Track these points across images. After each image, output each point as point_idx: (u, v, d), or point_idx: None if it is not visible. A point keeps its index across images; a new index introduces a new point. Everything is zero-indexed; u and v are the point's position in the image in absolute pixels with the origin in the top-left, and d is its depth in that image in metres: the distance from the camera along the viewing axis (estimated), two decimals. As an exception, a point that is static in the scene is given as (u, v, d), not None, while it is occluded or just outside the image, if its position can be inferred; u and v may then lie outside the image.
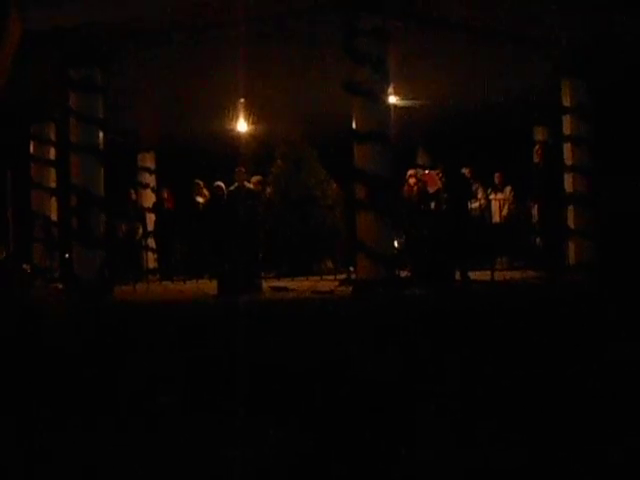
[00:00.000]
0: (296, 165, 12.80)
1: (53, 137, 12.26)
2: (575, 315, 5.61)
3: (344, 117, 8.53)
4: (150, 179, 15.41)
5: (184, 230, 13.19)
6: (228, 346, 4.60)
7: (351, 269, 9.86)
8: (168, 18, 8.32)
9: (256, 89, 10.11)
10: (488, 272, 9.72)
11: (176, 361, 4.14)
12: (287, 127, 12.47)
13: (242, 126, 12.61)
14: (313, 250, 12.32)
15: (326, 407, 3.00)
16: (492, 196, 12.74)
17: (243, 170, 11.40)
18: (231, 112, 11.80)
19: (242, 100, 11.19)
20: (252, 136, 12.76)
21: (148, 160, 15.53)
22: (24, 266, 12.44)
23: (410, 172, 11.01)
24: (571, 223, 10.22)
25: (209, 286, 9.74)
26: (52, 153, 12.34)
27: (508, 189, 12.71)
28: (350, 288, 8.57)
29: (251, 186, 11.68)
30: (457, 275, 9.26)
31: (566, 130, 10.34)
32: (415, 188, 10.73)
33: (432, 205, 10.16)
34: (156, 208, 13.98)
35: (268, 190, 12.77)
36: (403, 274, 9.28)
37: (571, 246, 10.26)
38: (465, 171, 11.00)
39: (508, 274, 10.30)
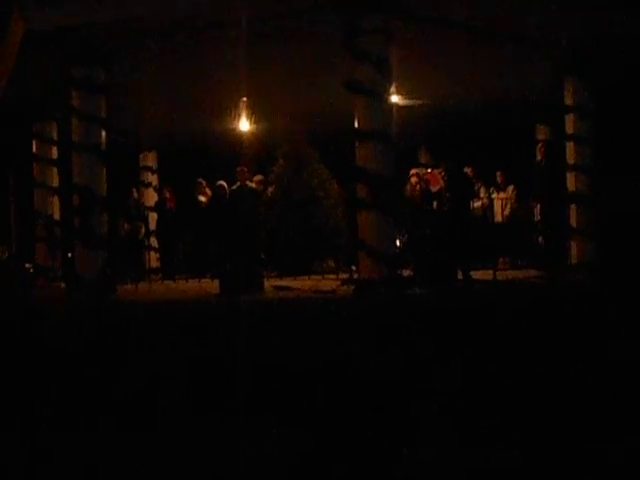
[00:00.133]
0: (298, 164, 12.79)
1: (55, 136, 12.28)
2: (577, 315, 5.61)
3: (346, 116, 8.53)
4: (152, 178, 15.42)
5: (186, 229, 13.20)
6: (230, 345, 4.60)
7: (353, 268, 9.86)
8: (169, 18, 8.32)
9: (258, 89, 10.11)
10: (490, 271, 9.71)
11: (179, 360, 4.15)
12: (289, 126, 12.47)
13: (244, 125, 12.61)
14: (315, 249, 12.31)
15: (328, 406, 3.00)
16: (494, 195, 12.73)
17: (245, 169, 11.40)
18: (233, 111, 11.80)
19: (244, 99, 11.19)
20: (254, 135, 12.76)
21: (150, 159, 15.54)
22: (26, 265, 12.47)
23: (412, 171, 11.01)
24: (573, 222, 10.22)
25: (211, 285, 9.74)
26: (54, 152, 12.35)
27: (510, 188, 12.70)
28: (352, 287, 8.56)
29: (253, 185, 11.68)
30: (459, 274, 9.25)
31: (568, 129, 10.33)
32: (417, 187, 10.73)
33: (434, 204, 10.15)
34: (158, 207, 13.99)
35: (270, 189, 12.76)
36: (405, 273, 9.27)
37: (573, 245, 10.25)
38: (467, 170, 10.99)
39: (510, 273, 10.29)
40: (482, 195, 12.40)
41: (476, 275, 9.44)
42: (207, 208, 12.56)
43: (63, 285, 10.75)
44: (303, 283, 10.00)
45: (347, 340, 4.75)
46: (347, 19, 8.01)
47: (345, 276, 10.15)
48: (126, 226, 13.54)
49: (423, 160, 11.48)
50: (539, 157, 10.99)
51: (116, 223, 12.17)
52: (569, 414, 2.79)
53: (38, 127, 12.28)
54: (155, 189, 15.17)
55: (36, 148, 12.40)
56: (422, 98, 11.14)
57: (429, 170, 10.60)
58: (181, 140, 13.88)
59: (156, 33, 8.58)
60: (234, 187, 11.48)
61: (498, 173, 12.73)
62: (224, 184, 11.86)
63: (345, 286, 9.11)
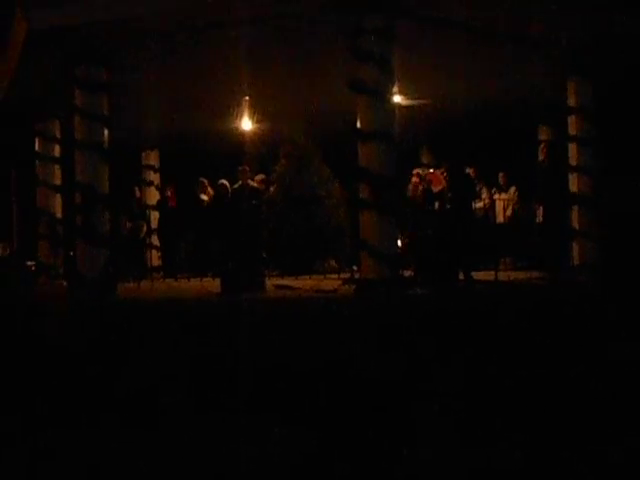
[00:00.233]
0: (300, 164, 12.80)
1: (58, 135, 12.29)
2: (578, 316, 5.61)
3: (348, 116, 8.53)
4: (154, 177, 15.44)
5: (188, 228, 13.22)
6: (232, 344, 4.61)
7: (354, 268, 9.86)
8: (171, 17, 8.33)
9: (260, 88, 10.12)
10: (492, 272, 9.71)
11: (180, 359, 4.15)
12: (291, 126, 12.47)
13: (246, 125, 12.61)
14: (317, 249, 12.31)
15: (330, 406, 3.01)
16: (496, 196, 12.73)
17: (247, 169, 11.41)
18: (235, 111, 11.81)
19: (246, 99, 11.20)
20: (256, 135, 12.76)
21: (152, 158, 15.55)
22: (28, 263, 12.48)
23: (415, 171, 11.01)
24: (575, 223, 10.21)
25: (213, 284, 9.75)
26: (57, 151, 12.36)
27: (512, 189, 12.70)
28: (353, 287, 8.56)
29: (255, 184, 11.69)
30: (461, 275, 9.25)
31: (571, 130, 10.32)
32: (419, 187, 10.73)
33: (436, 205, 10.15)
34: (160, 206, 14.00)
35: (272, 189, 12.77)
36: (407, 274, 9.28)
37: (575, 246, 10.24)
38: (469, 171, 10.99)
39: (512, 274, 10.29)
40: (484, 196, 12.40)
41: (477, 276, 9.44)
42: (209, 207, 12.58)
43: (65, 283, 10.76)
44: (304, 282, 10.00)
45: (348, 340, 4.76)
46: (349, 19, 8.00)
47: (346, 276, 10.15)
48: (128, 224, 13.55)
49: (425, 160, 11.46)
50: (541, 157, 10.98)
51: (118, 221, 12.17)
52: (570, 414, 2.80)
53: (41, 126, 12.29)
54: (157, 188, 15.18)
55: (39, 146, 12.41)
56: (424, 98, 11.14)
57: (431, 170, 10.60)
58: (183, 139, 13.88)
59: (158, 32, 8.58)
60: (235, 186, 11.49)
61: (500, 174, 12.73)
62: (226, 183, 11.87)
63: (346, 286, 9.11)
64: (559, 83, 10.21)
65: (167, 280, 12.13)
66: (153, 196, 14.92)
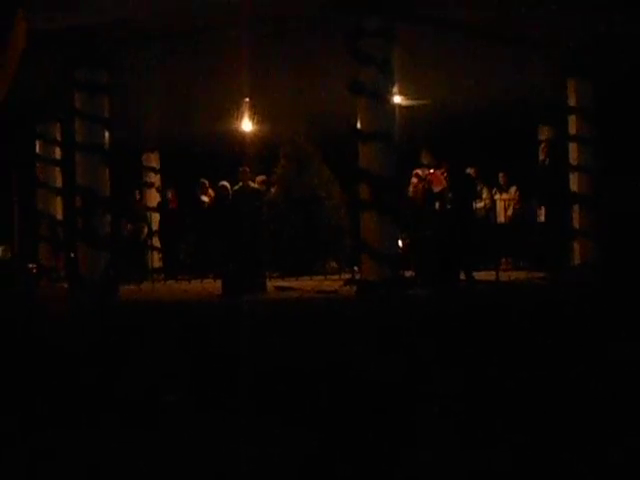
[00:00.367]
0: (300, 165, 12.80)
1: (58, 137, 12.30)
2: (579, 316, 5.61)
3: (348, 117, 8.53)
4: (155, 179, 15.44)
5: (189, 230, 13.22)
6: (233, 346, 4.61)
7: (355, 269, 9.86)
8: (171, 19, 8.34)
9: (260, 89, 10.12)
10: (493, 272, 9.71)
11: (181, 361, 4.15)
12: (291, 127, 12.48)
13: (246, 126, 12.61)
14: (317, 250, 12.32)
15: (331, 407, 3.01)
16: (497, 196, 12.73)
17: (247, 170, 11.40)
18: (235, 112, 11.81)
19: (246, 100, 11.21)
20: (256, 136, 12.76)
21: (153, 160, 15.56)
22: (29, 265, 12.48)
23: (416, 171, 11.01)
24: (576, 223, 10.20)
25: (214, 286, 9.75)
26: (57, 153, 12.37)
27: (513, 189, 12.70)
28: (354, 288, 8.57)
29: (255, 186, 11.68)
30: (462, 275, 9.25)
31: (571, 130, 10.31)
32: (420, 187, 10.73)
33: (437, 205, 10.15)
34: (161, 208, 14.01)
35: (272, 190, 12.78)
36: (407, 274, 9.28)
37: (576, 246, 10.24)
38: (470, 171, 10.99)
39: (513, 274, 10.29)
40: (484, 196, 12.39)
41: (478, 276, 9.44)
42: (209, 208, 12.58)
43: (66, 285, 10.76)
44: (305, 284, 10.01)
45: (350, 341, 4.76)
46: (349, 20, 8.01)
47: (347, 277, 10.15)
48: (129, 226, 13.56)
49: (425, 161, 11.47)
50: (541, 157, 10.98)
51: (119, 223, 12.19)
52: (570, 415, 2.80)
53: (41, 128, 12.31)
54: (158, 189, 15.19)
55: (39, 149, 12.42)
56: (424, 98, 11.14)
57: (431, 170, 10.60)
58: (184, 140, 13.89)
59: (158, 34, 8.59)
60: (236, 187, 11.49)
61: (501, 174, 12.73)
62: (227, 184, 11.86)
63: (347, 287, 9.12)
64: (559, 83, 10.21)
65: (168, 282, 12.13)
66: (154, 198, 14.92)
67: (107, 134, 9.30)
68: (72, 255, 10.99)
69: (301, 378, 3.56)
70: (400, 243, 9.78)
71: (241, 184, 11.37)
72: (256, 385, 3.38)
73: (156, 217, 14.08)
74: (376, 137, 8.14)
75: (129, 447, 2.56)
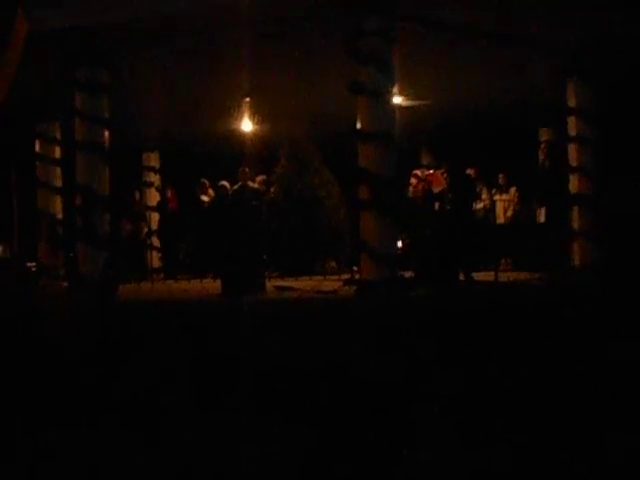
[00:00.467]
0: (300, 165, 12.81)
1: (58, 136, 12.30)
2: (579, 317, 5.61)
3: (348, 117, 8.54)
4: (155, 178, 15.45)
5: (188, 229, 13.23)
6: (232, 345, 4.61)
7: (355, 269, 9.87)
8: (171, 19, 8.34)
9: (260, 89, 10.13)
10: (492, 273, 9.71)
11: (180, 360, 4.16)
12: (291, 127, 12.48)
13: (247, 126, 12.62)
14: (317, 250, 12.32)
15: (331, 407, 3.01)
16: (497, 197, 12.74)
17: (247, 170, 11.41)
18: (236, 112, 11.82)
19: (246, 100, 11.21)
20: (256, 136, 12.77)
21: (153, 159, 15.57)
22: (29, 264, 12.48)
23: (415, 172, 11.02)
24: (576, 224, 10.21)
25: (213, 286, 9.76)
26: (57, 152, 12.38)
27: (513, 190, 12.71)
28: (354, 288, 8.57)
29: (255, 185, 11.69)
30: (461, 276, 9.26)
31: (571, 131, 10.33)
32: (419, 188, 10.73)
33: (436, 205, 10.16)
34: (160, 207, 14.01)
35: (272, 190, 12.78)
36: (407, 275, 9.28)
37: (576, 247, 10.24)
38: (470, 172, 11.00)
39: (512, 275, 10.29)
40: (484, 196, 12.40)
41: (478, 277, 9.45)
42: (209, 208, 12.59)
43: (65, 284, 10.76)
44: (305, 284, 10.01)
45: (349, 341, 4.76)
46: (349, 21, 8.02)
47: (347, 277, 10.16)
48: (128, 226, 13.56)
49: (425, 161, 11.48)
50: (541, 158, 10.99)
51: (118, 223, 12.19)
52: (570, 415, 2.80)
53: (41, 127, 12.31)
54: (157, 189, 15.19)
55: (39, 148, 12.43)
56: (424, 99, 11.14)
57: (431, 171, 10.61)
58: (184, 140, 13.90)
59: (158, 34, 8.60)
60: (235, 187, 11.50)
61: (500, 175, 12.74)
62: (226, 184, 11.88)
63: (347, 287, 9.12)
64: (559, 84, 10.22)
65: (167, 281, 12.13)
66: (153, 197, 14.93)
67: (107, 133, 9.31)
68: (72, 254, 10.99)
69: (301, 378, 3.57)
70: (399, 243, 9.79)
71: (240, 184, 11.39)
72: (256, 385, 3.39)
73: (156, 217, 14.08)
74: (376, 137, 8.14)
75: (129, 447, 2.56)
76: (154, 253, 13.84)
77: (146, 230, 13.97)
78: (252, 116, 12.12)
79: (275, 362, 4.02)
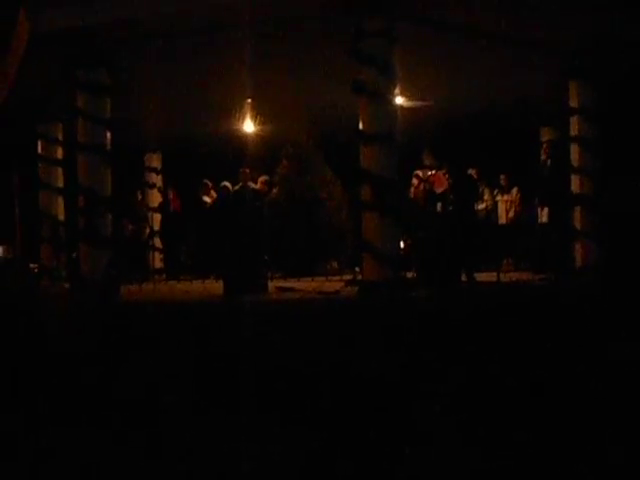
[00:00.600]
0: (302, 166, 12.81)
1: (60, 137, 12.30)
2: (581, 317, 5.61)
3: (350, 118, 8.53)
4: (157, 179, 15.45)
5: (190, 230, 13.23)
6: (234, 346, 4.61)
7: (357, 270, 9.86)
8: (172, 19, 8.34)
9: (262, 90, 10.13)
10: (494, 274, 9.71)
11: (182, 361, 4.16)
12: (293, 128, 12.49)
13: (248, 127, 12.63)
14: (319, 251, 12.32)
15: (332, 407, 3.01)
16: (499, 197, 12.73)
17: (247, 171, 11.41)
18: (237, 113, 11.82)
19: (248, 101, 11.22)
20: (258, 136, 12.78)
21: (155, 160, 15.58)
22: (31, 265, 12.50)
23: (417, 172, 11.02)
24: (578, 225, 10.19)
25: (215, 286, 9.76)
26: (59, 153, 12.38)
27: (515, 190, 12.70)
28: (356, 289, 8.57)
29: (255, 186, 11.69)
30: (463, 276, 9.25)
31: (573, 131, 10.31)
32: (421, 188, 10.73)
33: (438, 206, 10.15)
34: (162, 208, 14.02)
35: (274, 191, 12.78)
36: (409, 275, 9.28)
37: (578, 248, 10.23)
38: (472, 172, 10.99)
39: (514, 276, 10.29)
40: (486, 197, 12.39)
41: (480, 277, 9.44)
42: (211, 209, 12.59)
43: (67, 285, 10.77)
44: (307, 284, 10.01)
45: (351, 341, 4.76)
46: (350, 21, 8.01)
47: (349, 277, 10.15)
48: (130, 227, 13.57)
49: (427, 162, 11.48)
50: (543, 157, 10.97)
51: (120, 224, 12.20)
52: (571, 415, 2.80)
53: (43, 128, 12.31)
54: (159, 190, 15.20)
55: (41, 149, 12.43)
56: (426, 100, 11.14)
57: (433, 171, 10.60)
58: (185, 141, 13.91)
59: (160, 34, 8.60)
60: (236, 188, 11.50)
61: (502, 176, 12.73)
62: (228, 185, 11.87)
63: (349, 287, 9.12)
64: (561, 84, 10.20)
65: (169, 282, 12.14)
66: (155, 198, 14.94)
67: (109, 134, 9.30)
68: (74, 255, 11.01)
69: (302, 378, 3.57)
70: (402, 244, 9.78)
71: (241, 184, 11.38)
72: (257, 385, 3.38)
73: (158, 217, 14.09)
74: (378, 138, 8.13)
75: (129, 447, 2.56)
76: (156, 254, 13.84)
77: (148, 231, 13.98)
78: (254, 117, 12.13)
79: (277, 362, 4.01)
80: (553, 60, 9.74)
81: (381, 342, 4.71)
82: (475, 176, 11.09)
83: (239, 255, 9.57)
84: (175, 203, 13.96)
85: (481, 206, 12.10)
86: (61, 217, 12.44)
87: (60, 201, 12.43)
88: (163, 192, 14.77)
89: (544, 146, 11.38)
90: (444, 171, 10.23)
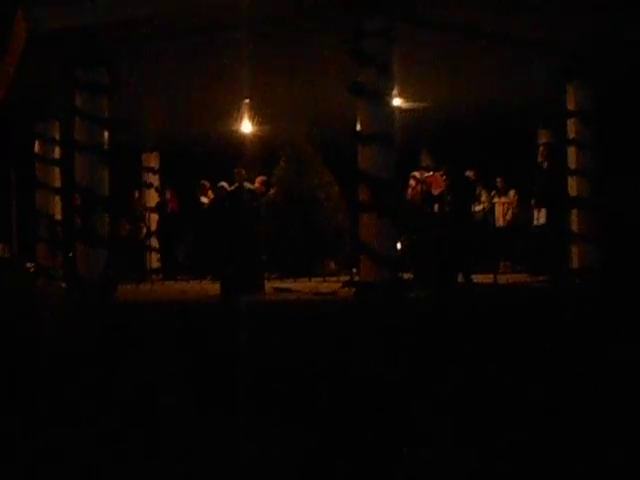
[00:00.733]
0: (300, 166, 12.81)
1: (58, 137, 12.28)
2: (578, 319, 5.61)
3: (348, 119, 8.53)
4: (154, 179, 15.44)
5: (187, 230, 13.22)
6: (231, 346, 4.61)
7: (354, 271, 9.86)
8: (171, 19, 8.34)
9: (260, 90, 10.13)
10: (491, 275, 9.71)
11: (179, 361, 4.15)
12: (291, 128, 12.49)
13: (246, 127, 12.63)
14: (316, 251, 12.32)
15: (330, 407, 3.01)
16: (496, 199, 12.74)
17: (242, 171, 11.40)
18: (235, 113, 11.82)
19: (246, 101, 11.21)
20: (256, 137, 12.78)
21: (152, 160, 15.56)
22: (28, 265, 12.48)
23: (414, 173, 11.03)
24: (575, 226, 10.21)
25: (212, 287, 9.75)
26: (57, 152, 12.36)
27: (512, 192, 12.72)
28: (353, 290, 8.56)
29: (251, 186, 11.68)
30: (460, 278, 9.25)
31: (570, 133, 10.33)
32: (418, 189, 10.74)
33: (435, 207, 10.16)
34: (159, 208, 14.01)
35: (272, 191, 12.78)
36: (406, 276, 9.28)
37: (575, 250, 10.24)
38: (470, 174, 11.00)
39: (511, 277, 10.29)
40: (483, 199, 12.41)
41: (477, 279, 9.45)
42: (207, 209, 12.59)
43: (64, 285, 10.76)
44: (304, 285, 10.00)
45: (348, 342, 4.76)
46: (349, 22, 8.01)
47: (346, 278, 10.15)
48: (127, 226, 13.55)
49: (425, 163, 11.48)
50: (540, 159, 11.00)
51: (118, 223, 12.18)
52: (570, 415, 2.80)
53: (40, 127, 12.28)
54: (157, 190, 15.18)
55: (38, 148, 12.40)
56: (424, 101, 11.15)
57: (430, 173, 10.61)
58: (183, 141, 13.90)
59: (158, 34, 8.59)
60: (232, 188, 11.49)
61: (498, 179, 12.74)
62: (225, 185, 11.87)
63: (346, 288, 9.11)
64: (558, 86, 10.22)
65: (166, 282, 12.13)
66: (153, 198, 14.92)
67: (106, 134, 9.29)
68: (70, 255, 10.99)
69: (299, 379, 3.56)
70: (399, 245, 9.78)
71: (236, 185, 11.38)
72: (254, 385, 3.38)
73: (155, 217, 14.07)
74: (376, 139, 8.13)
75: (126, 446, 2.56)
76: (153, 254, 13.83)
77: (145, 231, 13.96)
78: (252, 117, 12.12)
79: (273, 363, 4.01)
80: (551, 61, 9.75)
81: (378, 343, 4.71)
82: (472, 177, 11.10)
83: (236, 255, 9.57)
84: (172, 203, 13.94)
85: (478, 208, 12.11)
86: (58, 216, 12.40)
87: (57, 200, 12.40)
88: (160, 192, 14.75)
89: (541, 148, 11.39)
90: (441, 172, 10.25)
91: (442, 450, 2.42)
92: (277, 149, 13.06)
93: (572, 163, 10.27)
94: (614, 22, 8.76)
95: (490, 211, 12.65)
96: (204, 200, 12.92)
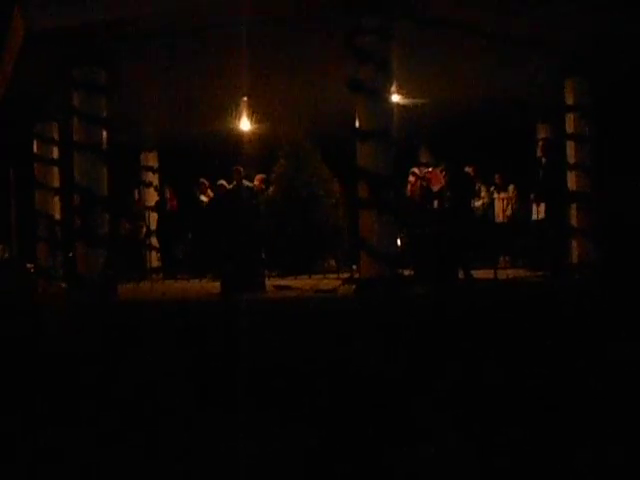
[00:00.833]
0: (299, 164, 12.80)
1: (56, 136, 12.27)
2: (577, 314, 5.61)
3: (347, 116, 8.53)
4: (153, 178, 15.43)
5: (187, 229, 13.23)
6: (232, 345, 4.61)
7: (354, 268, 9.86)
8: (170, 18, 8.32)
9: (259, 88, 10.12)
10: (491, 271, 9.72)
11: (180, 359, 4.15)
12: (290, 126, 12.48)
13: (245, 125, 12.62)
14: (316, 249, 12.32)
15: (330, 404, 3.01)
16: (495, 195, 12.75)
17: (241, 169, 11.40)
18: (234, 111, 11.81)
19: (245, 99, 11.20)
20: (255, 135, 12.77)
21: (151, 159, 15.55)
22: (27, 265, 12.48)
23: (413, 170, 11.02)
24: (574, 222, 10.21)
25: (212, 285, 9.75)
26: (55, 152, 12.35)
27: (511, 188, 12.72)
28: (353, 287, 8.56)
29: (250, 184, 11.68)
30: (460, 274, 9.26)
31: (569, 128, 10.33)
32: (418, 186, 10.75)
33: (435, 203, 10.16)
34: (159, 207, 14.00)
35: (271, 189, 12.78)
36: (406, 273, 9.28)
37: (574, 245, 10.25)
38: (469, 169, 11.00)
39: (511, 273, 10.30)
40: (483, 194, 12.41)
41: (477, 274, 9.45)
42: (207, 208, 12.59)
43: (64, 285, 10.75)
44: (304, 282, 10.01)
45: (348, 339, 4.76)
46: (348, 19, 8.00)
47: (346, 275, 10.15)
48: (127, 226, 13.55)
49: (423, 159, 11.48)
50: (539, 154, 11.00)
51: (117, 223, 12.17)
52: (569, 413, 2.80)
53: (39, 127, 12.28)
54: (156, 189, 15.17)
55: (37, 148, 12.39)
56: (423, 97, 11.14)
57: (430, 169, 10.61)
58: (182, 140, 13.89)
59: (157, 33, 8.58)
60: (231, 186, 11.50)
61: (497, 175, 12.74)
62: (225, 183, 11.87)
63: (346, 285, 9.11)
64: (557, 82, 10.21)
65: (166, 281, 12.13)
66: (152, 197, 14.91)
67: (105, 133, 9.28)
68: (70, 254, 10.99)
69: (300, 376, 3.56)
70: (399, 241, 9.78)
71: (235, 183, 11.38)
72: (255, 383, 3.38)
73: (154, 216, 14.07)
74: (374, 135, 8.13)
75: (127, 445, 2.56)
76: (153, 253, 13.83)
77: (145, 230, 13.96)
78: (251, 115, 12.11)
79: (274, 360, 4.01)
80: (550, 58, 9.74)
81: (378, 340, 4.71)
82: (472, 173, 11.10)
83: (236, 253, 9.57)
84: (172, 202, 13.95)
85: (478, 203, 12.11)
86: (57, 216, 12.41)
87: (56, 200, 12.40)
88: (160, 191, 14.75)
89: (540, 144, 11.39)
90: (441, 168, 10.25)
91: (442, 446, 2.42)
92: (276, 147, 13.05)
93: (571, 158, 10.27)
94: (614, 22, 8.74)
95: (490, 207, 12.66)
96: (203, 198, 12.93)
